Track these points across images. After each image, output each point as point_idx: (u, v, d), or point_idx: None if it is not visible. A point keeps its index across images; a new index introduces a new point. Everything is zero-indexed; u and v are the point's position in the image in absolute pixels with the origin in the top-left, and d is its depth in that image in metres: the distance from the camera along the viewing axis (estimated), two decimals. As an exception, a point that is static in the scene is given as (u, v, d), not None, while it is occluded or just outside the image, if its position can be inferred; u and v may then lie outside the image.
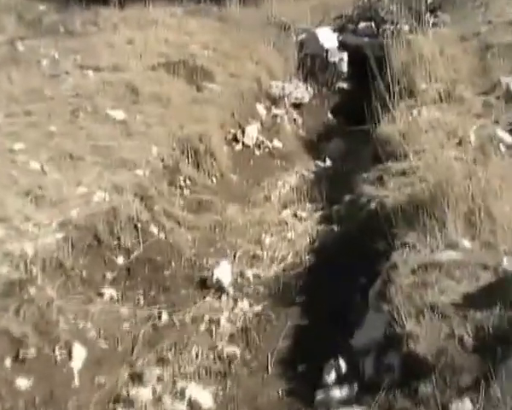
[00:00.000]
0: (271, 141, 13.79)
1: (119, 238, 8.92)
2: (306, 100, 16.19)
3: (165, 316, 8.15)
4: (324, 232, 9.79)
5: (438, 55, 14.07)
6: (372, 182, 10.34)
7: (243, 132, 13.19)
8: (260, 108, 14.35)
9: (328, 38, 17.42)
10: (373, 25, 17.68)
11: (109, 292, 8.33)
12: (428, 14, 17.38)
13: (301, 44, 17.32)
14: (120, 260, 8.80)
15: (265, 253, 9.53)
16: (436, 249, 7.46)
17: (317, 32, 17.40)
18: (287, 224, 10.34)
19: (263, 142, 13.57)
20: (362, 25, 17.77)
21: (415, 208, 8.48)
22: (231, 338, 7.91)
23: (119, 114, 11.47)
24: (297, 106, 15.92)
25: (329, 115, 16.53)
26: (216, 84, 13.61)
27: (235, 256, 9.55)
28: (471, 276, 7.01)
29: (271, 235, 10.00)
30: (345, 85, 17.27)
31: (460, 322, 6.44)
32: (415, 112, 12.05)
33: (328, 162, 13.45)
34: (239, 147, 13.04)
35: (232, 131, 13.03)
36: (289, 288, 8.72)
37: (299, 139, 14.66)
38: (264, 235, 9.98)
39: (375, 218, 9.06)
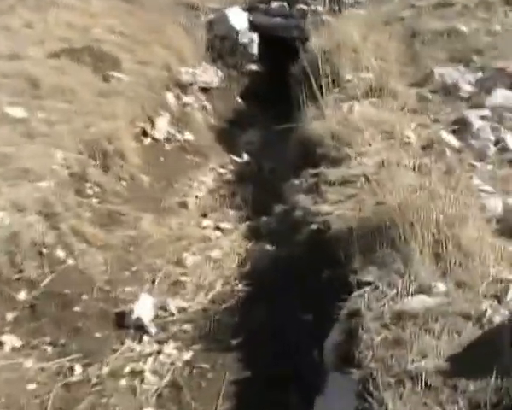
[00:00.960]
0: (182, 133, 12.23)
1: (20, 270, 7.19)
2: (215, 84, 14.63)
3: (78, 369, 6.55)
4: (255, 252, 8.26)
5: (361, 40, 12.53)
6: (306, 190, 8.83)
7: (153, 125, 11.54)
8: (170, 98, 12.75)
9: (238, 18, 16.03)
10: (285, 4, 16.02)
11: (10, 340, 6.59)
12: None
13: (211, 25, 15.69)
14: (22, 295, 7.20)
15: (189, 278, 7.94)
16: (403, 292, 5.91)
17: (227, 12, 15.77)
18: (210, 239, 8.66)
19: (174, 135, 12.02)
20: (274, 4, 16.47)
21: (369, 233, 6.97)
22: (159, 399, 6.24)
23: (18, 112, 9.69)
24: (206, 90, 14.35)
25: (239, 100, 14.82)
26: (123, 72, 11.88)
27: (154, 282, 7.81)
28: (451, 329, 5.54)
29: (194, 253, 8.47)
30: (255, 68, 15.89)
31: (450, 396, 4.96)
32: (345, 107, 10.48)
33: (246, 157, 11.89)
34: (148, 142, 11.45)
35: (141, 124, 11.27)
36: (222, 327, 7.14)
37: (211, 130, 13.11)
38: (185, 254, 8.35)
39: (318, 240, 7.54)
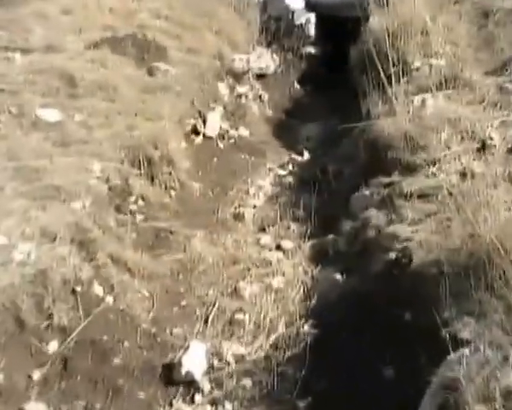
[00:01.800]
0: (237, 129, 10.84)
1: (50, 315, 5.85)
2: (271, 70, 13.21)
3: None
4: (322, 282, 6.87)
5: (429, 22, 10.96)
6: (378, 204, 7.46)
7: (204, 122, 10.15)
8: (223, 89, 11.37)
9: (293, -3, 14.14)
10: (342, -17, 14.27)
11: (37, 409, 5.22)
12: None
13: (264, 6, 14.26)
14: (53, 346, 5.89)
15: (247, 315, 6.55)
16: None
17: None
18: (270, 262, 7.28)
19: (227, 131, 10.63)
20: (330, -17, 14.40)
21: (460, 269, 5.59)
22: None
23: (52, 115, 8.43)
24: (261, 77, 12.87)
25: (296, 86, 13.32)
26: (170, 63, 10.52)
27: (207, 321, 6.43)
28: None
29: (251, 281, 7.05)
30: (312, 50, 14.39)
31: None
32: (416, 100, 9.01)
33: (306, 155, 10.42)
34: (200, 140, 10.07)
35: (191, 122, 9.89)
36: (286, 383, 5.80)
37: (267, 122, 11.68)
38: (241, 282, 6.95)
39: (397, 274, 6.13)
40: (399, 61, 10.21)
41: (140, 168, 8.27)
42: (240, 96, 11.60)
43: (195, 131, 10.13)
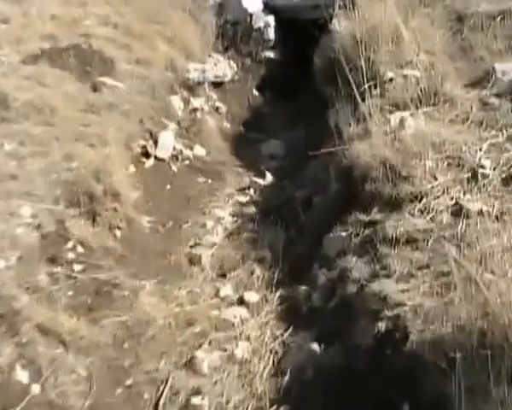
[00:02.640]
0: (192, 148, 9.43)
1: None
2: (229, 78, 11.76)
3: None
4: (296, 353, 5.41)
5: (401, 26, 9.56)
6: (358, 250, 6.10)
7: (156, 143, 8.67)
8: (176, 103, 9.91)
9: (251, -1, 12.67)
10: (302, -18, 12.84)
11: None
12: None
13: (220, 9, 12.80)
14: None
15: (207, 399, 5.04)
16: None
17: None
18: (232, 324, 5.78)
19: (181, 151, 9.23)
20: (290, -18, 12.97)
21: (470, 352, 4.24)
22: None
23: (-24, 145, 6.77)
24: (218, 86, 11.40)
25: (256, 93, 11.83)
26: (118, 77, 9.11)
27: (157, 406, 4.97)
28: None
29: (210, 349, 5.52)
30: (272, 55, 13.02)
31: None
32: (393, 120, 7.61)
33: (269, 177, 8.94)
34: (151, 163, 8.61)
35: (141, 143, 8.35)
36: None
37: (225, 138, 10.29)
38: (198, 350, 5.46)
39: (390, 354, 4.71)
40: (370, 70, 8.81)
41: (79, 207, 6.73)
42: (195, 110, 10.14)
43: (146, 154, 8.68)
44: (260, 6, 13.01)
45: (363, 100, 8.15)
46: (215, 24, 12.61)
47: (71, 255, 6.47)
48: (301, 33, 12.08)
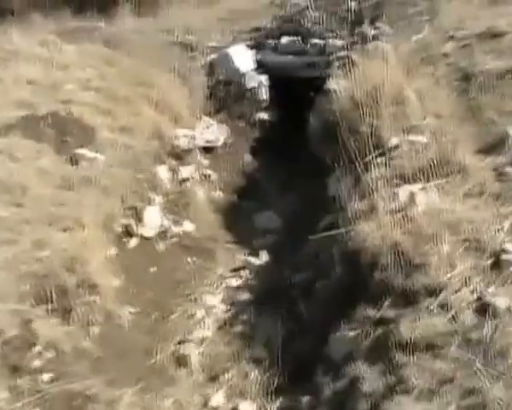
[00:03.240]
0: (180, 224, 8.42)
1: None
2: (221, 142, 10.76)
3: None
4: None
5: (404, 87, 8.65)
6: (369, 355, 5.17)
7: (140, 220, 7.58)
8: (163, 173, 8.94)
9: (243, 58, 12.29)
10: (298, 39, 12.28)
11: None
12: (366, 25, 11.78)
13: (211, 68, 11.89)
14: None
15: None
16: None
17: (229, 51, 11.97)
18: None
19: (169, 228, 8.07)
20: (284, 40, 12.53)
21: None
22: None
23: None
24: (209, 151, 10.39)
25: (249, 157, 10.86)
26: (99, 148, 8.05)
27: None
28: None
29: None
30: (266, 117, 12.07)
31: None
32: (402, 194, 6.64)
33: (264, 256, 7.92)
34: (135, 243, 7.53)
35: (123, 222, 7.33)
36: None
37: (216, 209, 9.31)
38: None
39: None
40: (372, 135, 7.88)
41: (49, 303, 5.66)
42: (184, 180, 9.15)
43: (129, 233, 7.60)
44: (253, 65, 12.12)
45: (367, 169, 7.21)
46: (206, 85, 11.63)
47: (37, 363, 5.44)
48: (296, 93, 11.40)
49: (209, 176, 10.05)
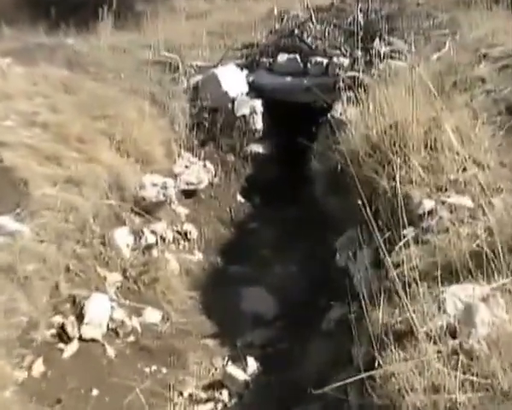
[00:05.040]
0: (140, 313, 5.58)
1: None
2: (205, 184, 8.03)
3: None
4: None
5: (434, 122, 5.94)
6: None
7: (80, 316, 4.79)
8: (122, 239, 6.20)
9: (233, 80, 9.74)
10: (297, 57, 9.61)
11: None
12: (377, 40, 9.03)
13: (196, 92, 9.38)
14: None
15: None
16: None
17: (217, 72, 9.54)
18: None
19: (123, 323, 5.31)
20: (282, 58, 9.93)
21: None
22: None
23: None
24: (190, 196, 7.70)
25: (240, 201, 8.21)
26: (27, 214, 5.14)
27: None
28: None
29: None
30: (260, 149, 9.45)
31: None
32: (450, 304, 3.93)
33: (252, 366, 5.22)
34: (73, 349, 4.72)
35: (57, 320, 4.57)
36: None
37: (192, 286, 6.53)
38: None
39: None
40: (395, 194, 5.14)
41: None
42: (150, 246, 6.33)
43: (63, 338, 4.84)
44: (244, 88, 9.48)
45: (390, 244, 4.52)
46: (188, 113, 8.90)
47: None
48: (295, 121, 8.68)
49: (186, 234, 7.32)
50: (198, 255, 7.32)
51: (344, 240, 6.58)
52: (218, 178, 8.86)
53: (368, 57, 9.37)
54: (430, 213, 5.45)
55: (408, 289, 4.14)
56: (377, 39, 9.56)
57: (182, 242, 7.30)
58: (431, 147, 6.21)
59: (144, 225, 6.82)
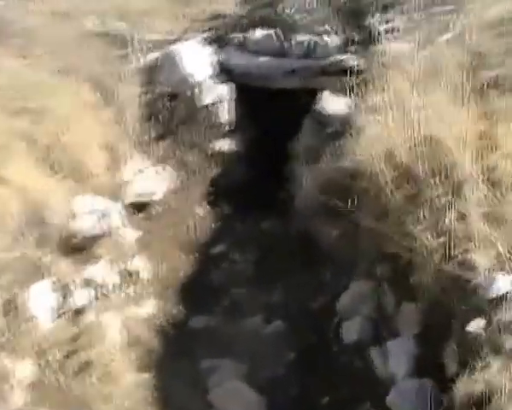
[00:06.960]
0: None
1: None
2: (160, 194, 5.48)
3: None
4: None
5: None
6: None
7: None
8: (39, 301, 3.71)
9: (197, 59, 7.51)
10: (276, 34, 7.51)
11: None
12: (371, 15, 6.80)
13: (150, 74, 7.23)
14: None
15: None
16: None
17: (177, 49, 7.51)
18: None
19: None
20: (257, 34, 7.71)
21: None
22: None
23: None
24: (141, 209, 5.24)
25: (204, 211, 6.40)
26: None
27: None
28: None
29: None
30: (229, 146, 7.47)
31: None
32: None
33: None
34: None
35: None
36: None
37: (139, 364, 4.26)
38: None
39: None
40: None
41: None
42: (81, 310, 3.90)
43: None
44: (211, 70, 7.12)
45: None
46: (141, 101, 6.48)
47: None
48: (273, 112, 7.05)
49: (134, 275, 4.90)
50: (150, 306, 4.97)
51: (347, 298, 4.38)
52: (178, 183, 6.47)
53: (361, 36, 7.15)
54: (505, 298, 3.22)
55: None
56: (371, 15, 7.31)
57: (129, 286, 4.91)
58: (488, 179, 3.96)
59: (75, 272, 4.38)
